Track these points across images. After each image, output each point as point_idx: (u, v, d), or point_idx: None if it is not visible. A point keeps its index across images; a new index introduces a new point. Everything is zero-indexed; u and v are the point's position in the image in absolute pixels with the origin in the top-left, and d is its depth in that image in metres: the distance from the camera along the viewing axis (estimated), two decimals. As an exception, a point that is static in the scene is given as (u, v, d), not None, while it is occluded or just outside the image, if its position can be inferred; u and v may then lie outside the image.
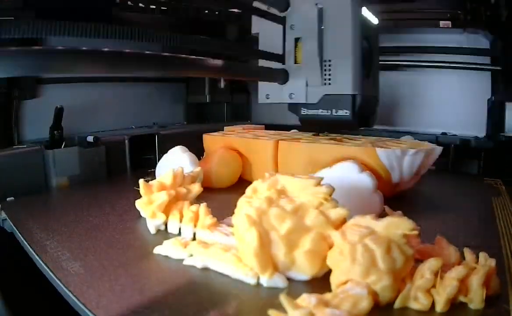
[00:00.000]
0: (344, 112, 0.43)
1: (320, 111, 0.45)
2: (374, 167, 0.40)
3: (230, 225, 0.31)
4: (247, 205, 0.24)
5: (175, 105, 0.85)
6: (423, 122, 0.69)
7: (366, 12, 0.44)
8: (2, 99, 0.54)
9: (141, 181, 0.34)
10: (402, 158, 0.40)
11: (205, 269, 0.27)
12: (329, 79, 0.44)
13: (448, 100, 0.67)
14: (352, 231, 0.22)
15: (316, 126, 0.52)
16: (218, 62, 0.31)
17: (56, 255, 0.29)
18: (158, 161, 0.65)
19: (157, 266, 0.28)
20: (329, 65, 0.44)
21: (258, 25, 0.48)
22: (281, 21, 0.45)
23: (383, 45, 0.69)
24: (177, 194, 0.34)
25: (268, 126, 0.67)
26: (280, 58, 0.46)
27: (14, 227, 0.36)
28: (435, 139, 0.61)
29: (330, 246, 0.23)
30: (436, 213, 0.40)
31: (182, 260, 0.28)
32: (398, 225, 0.21)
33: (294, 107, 0.47)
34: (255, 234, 0.23)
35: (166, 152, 0.66)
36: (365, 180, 0.33)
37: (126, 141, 0.61)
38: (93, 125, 0.66)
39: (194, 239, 0.31)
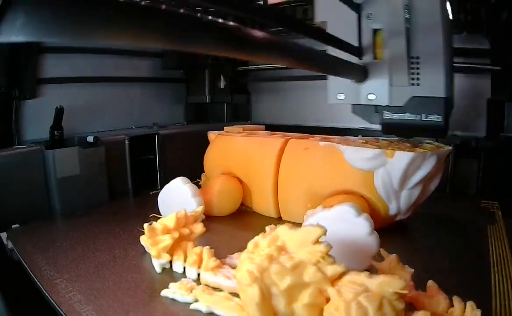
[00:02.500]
0: (436, 118, 0.39)
1: (407, 116, 0.40)
2: (372, 199, 0.40)
3: (232, 265, 0.33)
4: (248, 261, 0.26)
5: (175, 105, 0.85)
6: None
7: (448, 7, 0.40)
8: (2, 99, 0.54)
9: (146, 225, 0.35)
10: (400, 192, 0.40)
11: (210, 314, 0.28)
12: (418, 79, 0.39)
13: (448, 100, 0.67)
14: (347, 289, 0.24)
15: (400, 133, 0.46)
16: (291, 44, 0.24)
17: (68, 296, 0.30)
18: (158, 161, 0.66)
19: (165, 309, 0.29)
20: (417, 63, 0.39)
21: (325, 12, 0.42)
22: (356, 8, 0.39)
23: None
24: (180, 235, 0.35)
25: (268, 126, 0.67)
26: (357, 51, 0.39)
27: (23, 261, 0.37)
28: (435, 140, 0.61)
29: (327, 299, 0.25)
30: (430, 248, 0.40)
31: (189, 303, 0.29)
32: (390, 284, 0.23)
33: (363, 111, 0.43)
34: (257, 290, 0.25)
35: (166, 152, 0.67)
36: (362, 223, 0.33)
37: (126, 141, 0.61)
38: (93, 125, 0.67)
39: (198, 278, 0.33)
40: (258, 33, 0.20)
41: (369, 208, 0.40)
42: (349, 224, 0.33)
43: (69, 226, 0.48)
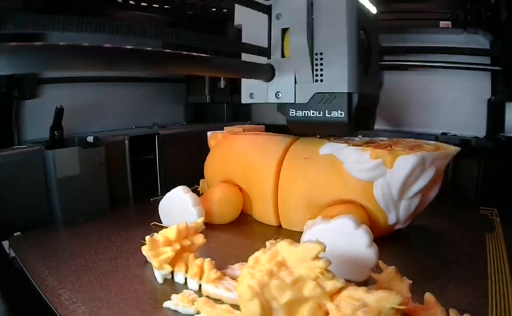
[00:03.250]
0: (339, 114, 0.39)
1: (310, 113, 0.40)
2: (371, 209, 0.41)
3: (233, 276, 0.33)
4: (249, 276, 0.26)
5: (175, 105, 0.85)
6: (423, 123, 0.69)
7: (363, 0, 0.40)
8: (2, 99, 0.54)
9: (147, 238, 0.35)
10: (399, 202, 0.40)
11: None
12: (321, 75, 0.39)
13: (448, 100, 0.67)
14: (346, 304, 0.25)
15: (306, 130, 0.47)
16: (186, 56, 0.28)
17: (72, 307, 0.30)
18: (158, 161, 0.66)
19: None
20: (321, 59, 0.39)
21: (241, 16, 0.43)
22: (266, 10, 0.40)
23: (383, 45, 0.70)
24: (182, 247, 0.36)
25: (268, 127, 0.67)
26: (264, 51, 0.40)
27: (25, 271, 0.37)
28: (435, 139, 0.61)
29: (326, 313, 0.26)
30: (428, 257, 0.40)
31: (191, 315, 0.30)
32: (388, 299, 0.24)
33: (282, 108, 0.42)
34: (258, 304, 0.25)
35: (166, 152, 0.67)
36: (361, 236, 0.33)
37: (126, 141, 0.61)
38: (93, 125, 0.67)
39: (200, 289, 0.33)
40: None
41: (368, 217, 0.40)
42: (348, 236, 0.34)
43: (70, 233, 0.48)
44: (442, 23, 0.61)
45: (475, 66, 0.62)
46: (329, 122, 0.39)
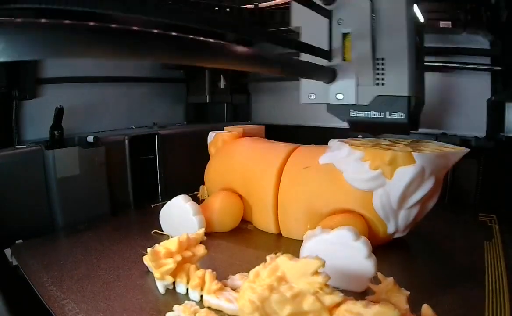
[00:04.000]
0: (399, 115, 0.41)
1: (372, 114, 0.42)
2: (371, 218, 0.41)
3: (234, 287, 0.34)
4: (250, 291, 0.27)
5: (175, 105, 0.85)
6: (423, 123, 0.69)
7: (415, 9, 0.42)
8: (2, 99, 0.54)
9: (149, 250, 0.36)
10: (398, 211, 0.40)
11: None
12: (382, 79, 0.41)
13: (448, 100, 0.67)
14: None
15: (366, 129, 0.49)
16: (259, 52, 0.27)
17: None
18: (158, 161, 0.66)
19: None
20: (382, 64, 0.41)
21: (300, 18, 0.45)
22: (327, 14, 0.42)
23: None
24: (183, 258, 0.36)
25: (268, 127, 0.67)
26: (327, 54, 0.42)
27: (29, 281, 0.37)
28: (435, 139, 0.61)
29: None
30: (426, 266, 0.41)
31: None
32: (385, 313, 0.24)
33: (336, 109, 0.44)
34: None
35: (166, 152, 0.66)
36: (360, 247, 0.34)
37: (126, 141, 0.61)
38: (93, 125, 0.67)
39: (201, 299, 0.34)
40: (235, 47, 0.23)
41: (367, 226, 0.41)
42: (347, 247, 0.34)
43: (72, 241, 0.48)
44: (442, 23, 0.61)
45: (475, 66, 0.62)
46: (389, 123, 0.42)
